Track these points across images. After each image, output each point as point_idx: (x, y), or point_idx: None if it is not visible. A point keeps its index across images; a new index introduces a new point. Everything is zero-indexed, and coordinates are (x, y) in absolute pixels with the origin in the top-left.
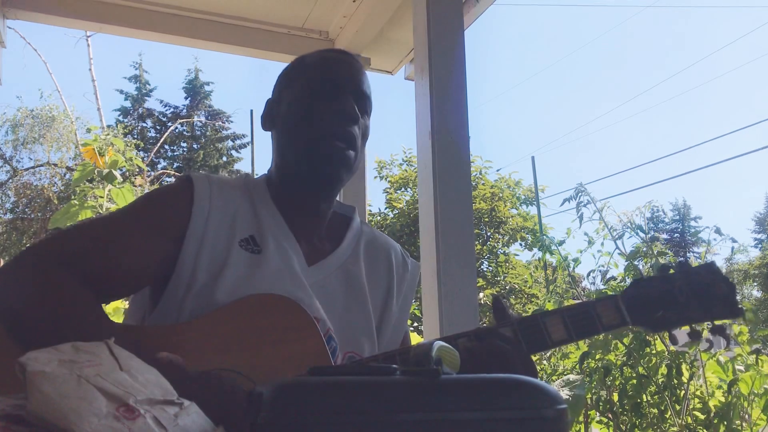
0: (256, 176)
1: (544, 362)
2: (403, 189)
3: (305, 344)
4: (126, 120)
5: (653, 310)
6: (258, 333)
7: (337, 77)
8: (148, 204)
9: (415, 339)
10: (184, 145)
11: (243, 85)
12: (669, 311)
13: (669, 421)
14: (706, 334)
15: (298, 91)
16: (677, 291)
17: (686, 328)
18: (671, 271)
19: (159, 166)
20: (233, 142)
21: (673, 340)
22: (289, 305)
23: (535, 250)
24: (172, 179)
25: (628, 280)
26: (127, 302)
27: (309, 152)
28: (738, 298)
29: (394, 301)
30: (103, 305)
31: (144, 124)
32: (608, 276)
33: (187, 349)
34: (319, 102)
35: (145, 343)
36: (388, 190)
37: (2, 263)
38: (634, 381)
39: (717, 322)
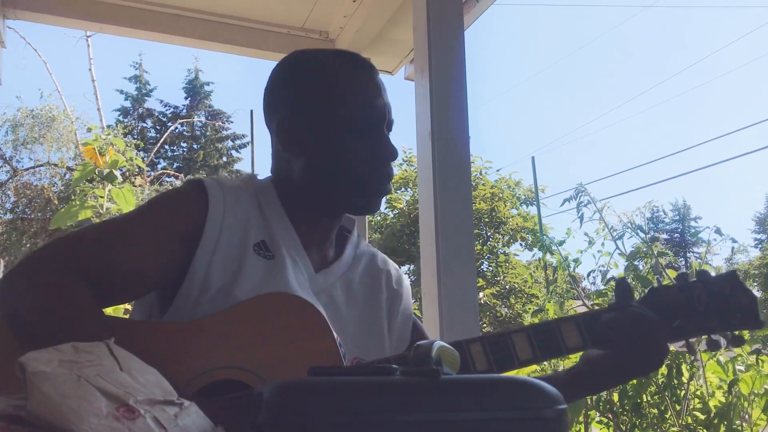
0: (259, 178)
1: (544, 362)
2: (403, 189)
3: (318, 344)
4: (126, 120)
5: (671, 319)
6: (271, 331)
7: (376, 113)
8: (159, 208)
9: None
10: (184, 145)
11: (243, 85)
12: (687, 320)
13: (669, 421)
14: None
15: (333, 123)
16: (696, 300)
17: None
18: (691, 279)
19: (159, 166)
20: (233, 142)
21: (691, 351)
22: (303, 305)
23: (535, 250)
24: (172, 179)
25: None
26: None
27: (358, 188)
28: (759, 309)
29: (401, 300)
30: (110, 308)
31: (144, 124)
32: (608, 276)
33: (199, 346)
34: (359, 142)
35: (158, 339)
36: None
37: (2, 264)
38: (634, 381)
39: (736, 333)
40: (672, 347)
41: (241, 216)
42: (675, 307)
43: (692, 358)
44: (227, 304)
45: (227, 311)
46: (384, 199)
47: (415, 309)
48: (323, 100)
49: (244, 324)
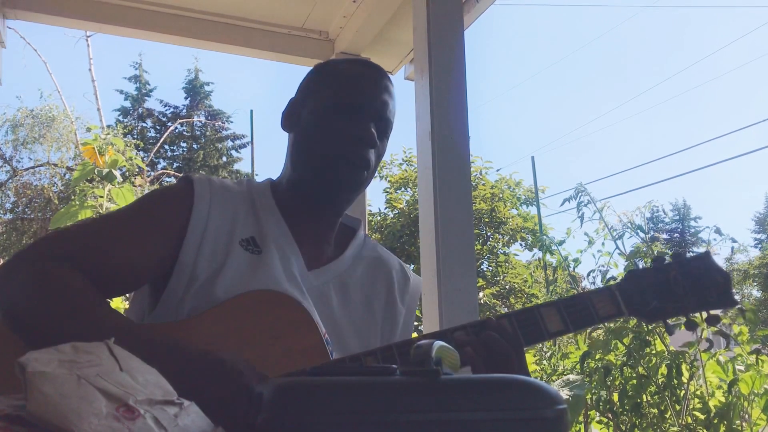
0: (257, 179)
1: (544, 362)
2: (403, 189)
3: (304, 340)
4: (126, 120)
5: (648, 301)
6: (257, 328)
7: (362, 99)
8: (148, 203)
9: None
10: (184, 145)
11: (243, 85)
12: (664, 301)
13: (669, 421)
14: (703, 326)
15: (321, 103)
16: (672, 281)
17: (683, 318)
18: (667, 261)
19: (159, 166)
20: (233, 142)
21: (669, 330)
22: (288, 302)
23: (535, 250)
24: (172, 179)
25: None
26: (128, 303)
27: (320, 170)
28: (732, 288)
29: (398, 315)
30: None
31: (144, 124)
32: (608, 276)
33: None
34: (339, 121)
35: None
36: (388, 190)
37: (2, 263)
38: (634, 381)
39: (712, 312)
40: (671, 347)
41: (229, 211)
42: (652, 288)
43: (692, 357)
44: (209, 298)
45: (212, 310)
46: (384, 199)
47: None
48: (320, 82)
49: (229, 322)
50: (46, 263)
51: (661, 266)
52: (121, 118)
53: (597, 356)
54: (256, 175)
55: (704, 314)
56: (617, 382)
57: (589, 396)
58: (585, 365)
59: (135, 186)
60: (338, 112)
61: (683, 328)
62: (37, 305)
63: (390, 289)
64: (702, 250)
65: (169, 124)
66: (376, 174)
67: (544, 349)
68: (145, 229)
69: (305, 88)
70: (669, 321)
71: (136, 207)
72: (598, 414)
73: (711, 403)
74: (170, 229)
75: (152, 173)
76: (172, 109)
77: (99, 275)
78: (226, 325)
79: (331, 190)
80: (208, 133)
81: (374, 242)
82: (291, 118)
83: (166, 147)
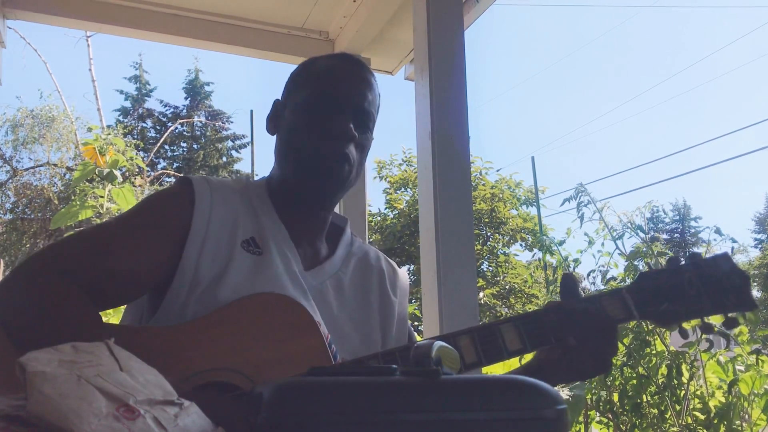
0: (256, 178)
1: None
2: (403, 189)
3: (306, 343)
4: (126, 120)
5: (661, 303)
6: (260, 331)
7: (338, 92)
8: (147, 209)
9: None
10: (184, 145)
11: (243, 85)
12: (677, 304)
13: (669, 421)
14: (716, 328)
15: (300, 102)
16: (687, 283)
17: (697, 322)
18: (681, 262)
19: (159, 166)
20: (233, 142)
21: (684, 335)
22: (291, 304)
23: (536, 250)
24: (172, 179)
25: (628, 281)
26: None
27: (302, 169)
28: (751, 289)
29: (393, 307)
30: (110, 310)
31: (144, 124)
32: (608, 276)
33: (187, 349)
34: (316, 118)
35: (147, 344)
36: (388, 190)
37: (2, 264)
38: (634, 381)
39: (730, 315)
40: (672, 347)
41: (230, 212)
42: (665, 291)
43: (692, 358)
44: (213, 302)
45: (215, 313)
46: (384, 199)
47: (415, 309)
48: (300, 80)
49: (231, 325)
50: (45, 278)
51: (675, 268)
52: (121, 118)
53: None
54: (256, 175)
55: (722, 317)
56: (617, 382)
57: (589, 396)
58: None
59: (135, 186)
60: (315, 108)
61: (702, 334)
62: (32, 321)
63: (382, 283)
64: (702, 249)
65: (169, 124)
66: (376, 174)
67: None
68: (147, 237)
69: (287, 88)
70: (684, 324)
71: (136, 213)
72: (598, 414)
73: (711, 403)
74: (172, 234)
75: (152, 173)
76: (172, 109)
77: (101, 287)
78: (229, 328)
79: (314, 187)
80: (208, 134)
81: (360, 240)
82: (275, 120)
83: (166, 147)
